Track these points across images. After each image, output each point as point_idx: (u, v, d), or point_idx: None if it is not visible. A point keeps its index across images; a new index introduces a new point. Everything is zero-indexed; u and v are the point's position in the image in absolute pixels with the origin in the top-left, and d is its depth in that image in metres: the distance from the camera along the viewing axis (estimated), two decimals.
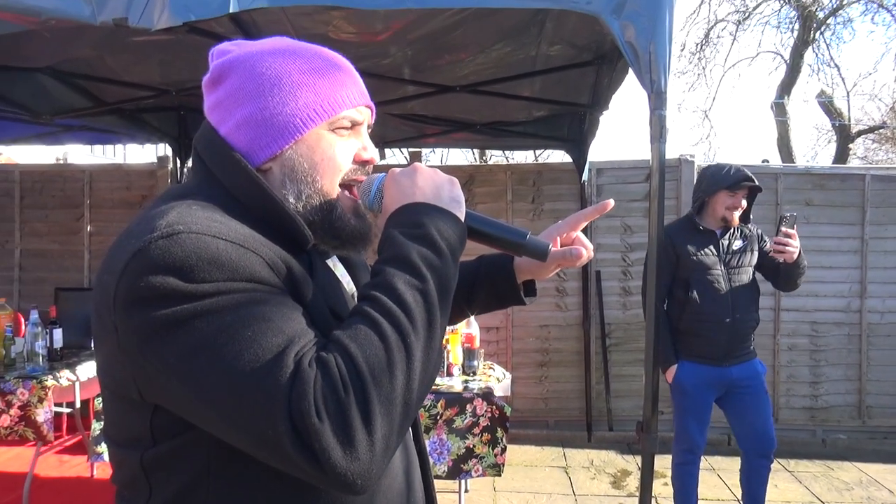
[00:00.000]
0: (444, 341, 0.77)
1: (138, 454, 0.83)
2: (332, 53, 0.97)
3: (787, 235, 3.02)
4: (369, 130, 1.00)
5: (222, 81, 0.92)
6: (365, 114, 0.97)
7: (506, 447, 3.17)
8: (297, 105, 0.89)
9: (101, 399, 0.91)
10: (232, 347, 0.73)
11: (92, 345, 4.44)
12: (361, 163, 0.96)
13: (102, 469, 4.18)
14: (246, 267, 0.77)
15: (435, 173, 0.92)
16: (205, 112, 0.96)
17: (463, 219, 0.91)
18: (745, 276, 3.24)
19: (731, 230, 3.24)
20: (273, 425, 0.71)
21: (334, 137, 0.92)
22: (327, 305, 0.88)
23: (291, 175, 0.91)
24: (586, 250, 1.11)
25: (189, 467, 0.82)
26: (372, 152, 0.97)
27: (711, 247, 3.20)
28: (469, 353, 3.63)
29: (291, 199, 0.91)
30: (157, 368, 0.75)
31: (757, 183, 3.17)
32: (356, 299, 0.85)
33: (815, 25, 11.04)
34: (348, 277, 1.04)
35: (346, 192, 0.95)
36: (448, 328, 3.59)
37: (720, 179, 3.13)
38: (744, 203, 3.20)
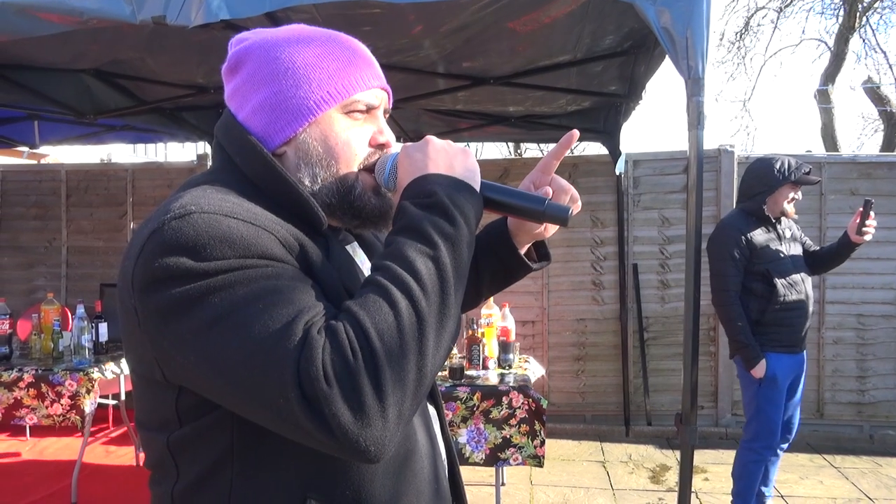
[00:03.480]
0: (462, 312, 0.75)
1: (165, 437, 0.84)
2: (347, 37, 0.97)
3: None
4: (386, 115, 0.99)
5: (240, 69, 0.94)
6: (381, 97, 0.96)
7: (544, 440, 3.16)
8: (310, 88, 0.90)
9: (134, 384, 0.92)
10: (243, 320, 0.74)
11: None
12: (377, 146, 0.96)
13: None
14: (258, 244, 0.78)
15: (448, 144, 0.92)
16: (225, 100, 0.97)
17: (478, 189, 0.90)
18: (802, 261, 3.35)
19: (782, 220, 3.34)
20: (283, 392, 0.71)
21: (349, 121, 0.93)
22: (343, 284, 0.88)
23: (306, 158, 0.91)
24: (563, 192, 1.03)
25: (214, 448, 0.83)
26: (388, 136, 0.97)
27: (775, 236, 3.29)
28: (504, 347, 3.62)
29: (307, 182, 0.92)
30: (176, 346, 0.77)
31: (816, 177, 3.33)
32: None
33: (860, 10, 10.69)
34: (369, 264, 1.03)
35: (368, 172, 0.95)
36: (484, 322, 3.59)
37: (786, 173, 3.22)
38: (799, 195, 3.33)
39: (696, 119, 2.08)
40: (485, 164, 5.57)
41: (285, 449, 0.82)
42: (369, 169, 0.95)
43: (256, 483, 0.83)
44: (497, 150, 16.54)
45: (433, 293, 0.77)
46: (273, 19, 2.60)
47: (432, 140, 0.92)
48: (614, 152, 4.97)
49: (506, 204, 0.96)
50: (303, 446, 0.79)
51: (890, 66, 11.16)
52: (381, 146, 0.96)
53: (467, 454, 3.15)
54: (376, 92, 0.96)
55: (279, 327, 0.73)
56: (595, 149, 5.36)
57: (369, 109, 0.95)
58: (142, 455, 4.23)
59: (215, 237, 0.76)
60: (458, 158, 0.90)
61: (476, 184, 0.90)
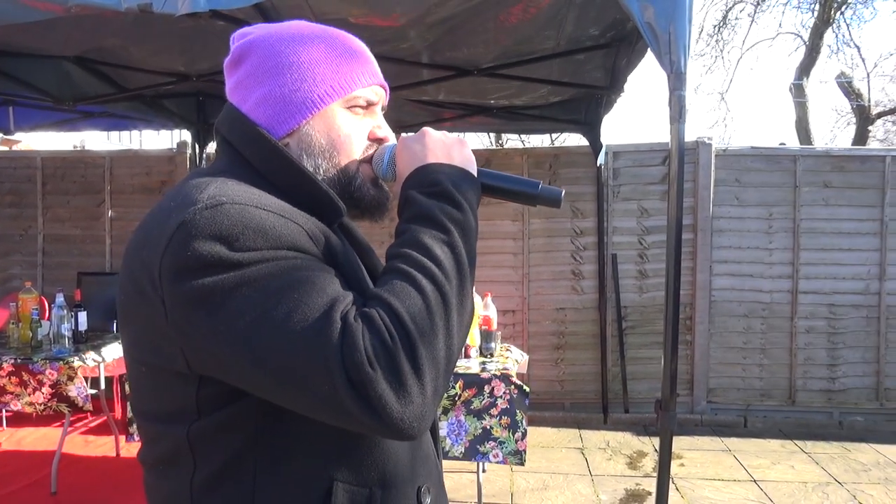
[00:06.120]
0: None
1: (184, 428, 0.84)
2: (348, 35, 0.99)
3: None
4: (384, 112, 1.02)
5: (242, 62, 0.95)
6: (380, 94, 0.99)
7: (526, 432, 3.18)
8: (314, 82, 0.92)
9: (129, 378, 0.91)
10: (280, 311, 0.75)
11: (115, 326, 4.54)
12: (376, 140, 0.98)
13: (128, 448, 4.27)
14: (288, 236, 0.80)
15: (444, 135, 0.96)
16: (227, 94, 0.98)
17: (476, 175, 0.95)
18: None
19: None
20: (330, 380, 0.73)
21: (350, 115, 0.95)
22: (358, 275, 0.91)
23: (308, 150, 0.93)
24: None
25: (237, 438, 0.83)
26: (386, 131, 0.99)
27: None
28: (486, 336, 3.66)
29: None
30: (209, 338, 0.77)
31: None
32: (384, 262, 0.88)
33: (835, 5, 10.86)
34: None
35: (367, 164, 0.98)
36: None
37: None
38: None
39: (677, 113, 2.12)
40: None
41: (310, 434, 0.83)
42: (367, 161, 0.98)
43: (281, 469, 0.84)
44: (479, 141, 16.54)
45: (453, 276, 0.82)
46: (261, 9, 2.60)
47: (429, 131, 0.95)
48: (595, 144, 5.02)
49: (502, 189, 1.00)
50: (328, 431, 0.81)
51: (863, 60, 11.37)
52: (380, 140, 0.99)
53: (447, 447, 3.18)
54: (375, 89, 0.98)
55: (318, 316, 0.75)
56: (575, 140, 5.41)
57: (369, 105, 0.98)
58: (124, 445, 4.23)
59: (249, 227, 0.78)
60: (456, 148, 0.94)
61: (474, 171, 0.95)
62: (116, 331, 4.37)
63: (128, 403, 3.72)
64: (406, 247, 0.83)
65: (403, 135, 0.97)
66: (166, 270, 0.77)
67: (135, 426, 3.46)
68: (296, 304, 0.76)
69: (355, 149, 0.96)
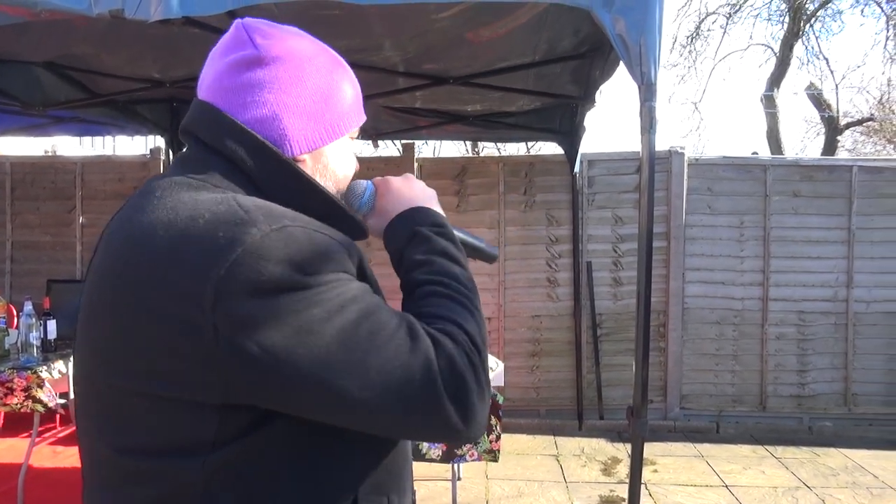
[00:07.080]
0: None
1: (198, 461, 0.77)
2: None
3: None
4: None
5: (267, 64, 0.88)
6: None
7: (500, 435, 3.21)
8: (344, 107, 0.94)
9: (101, 412, 0.84)
10: (362, 332, 0.77)
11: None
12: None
13: None
14: (343, 259, 0.82)
15: (425, 186, 1.06)
16: (211, 89, 0.89)
17: None
18: None
19: None
20: (435, 394, 0.79)
21: (350, 143, 0.99)
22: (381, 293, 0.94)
23: (323, 171, 0.94)
24: None
25: (258, 467, 0.80)
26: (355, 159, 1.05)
27: None
28: None
29: None
30: (278, 362, 0.74)
31: None
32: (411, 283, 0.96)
33: (804, 17, 11.10)
34: None
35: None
36: None
37: None
38: None
39: (648, 124, 2.16)
40: (444, 163, 5.61)
41: (334, 458, 0.84)
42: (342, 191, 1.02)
43: (304, 496, 0.82)
44: (455, 149, 16.56)
45: (478, 302, 0.94)
46: (234, 17, 2.58)
47: (413, 178, 1.06)
48: (570, 152, 5.07)
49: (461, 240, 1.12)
50: (351, 453, 0.84)
51: (831, 72, 11.63)
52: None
53: (424, 450, 3.18)
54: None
55: (402, 335, 0.79)
56: (551, 148, 5.45)
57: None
58: None
59: (315, 251, 0.79)
60: (435, 198, 1.06)
61: None
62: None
63: None
64: (441, 276, 0.93)
65: (385, 177, 1.05)
66: (228, 294, 0.73)
67: None
68: (375, 325, 0.78)
69: (349, 176, 1.01)
